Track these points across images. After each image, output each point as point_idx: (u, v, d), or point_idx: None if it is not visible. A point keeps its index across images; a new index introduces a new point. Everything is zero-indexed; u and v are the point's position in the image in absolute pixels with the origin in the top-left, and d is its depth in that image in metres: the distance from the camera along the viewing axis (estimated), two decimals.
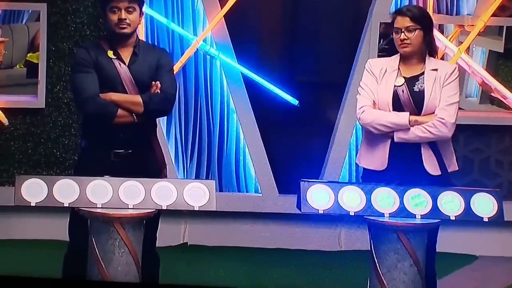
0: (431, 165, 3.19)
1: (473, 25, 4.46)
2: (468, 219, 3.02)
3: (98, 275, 2.87)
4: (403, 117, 3.14)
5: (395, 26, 3.21)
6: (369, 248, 3.02)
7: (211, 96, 4.60)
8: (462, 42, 4.52)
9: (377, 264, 2.95)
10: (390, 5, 4.43)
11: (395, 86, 3.20)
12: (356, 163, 3.73)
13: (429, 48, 3.24)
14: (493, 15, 4.44)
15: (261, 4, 4.69)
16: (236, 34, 4.51)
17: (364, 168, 3.30)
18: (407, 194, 2.99)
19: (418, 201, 2.99)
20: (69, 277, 3.29)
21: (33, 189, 2.90)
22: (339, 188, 2.99)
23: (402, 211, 2.97)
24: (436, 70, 3.21)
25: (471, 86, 4.73)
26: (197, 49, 4.52)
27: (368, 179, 3.24)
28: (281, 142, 4.65)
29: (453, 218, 2.98)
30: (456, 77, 3.22)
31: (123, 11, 3.17)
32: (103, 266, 2.87)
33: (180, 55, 4.52)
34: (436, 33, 4.44)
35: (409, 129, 3.14)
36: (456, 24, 4.55)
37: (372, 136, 3.22)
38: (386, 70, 3.23)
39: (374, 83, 3.22)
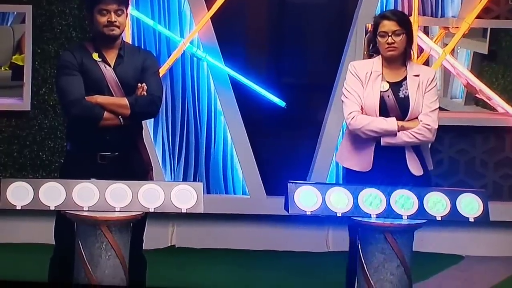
0: (414, 166, 3.28)
1: (457, 27, 4.49)
2: (454, 219, 3.04)
3: (85, 278, 2.85)
4: (392, 124, 3.24)
5: (381, 30, 3.27)
6: (357, 249, 3.02)
7: (198, 98, 4.59)
8: (447, 44, 4.55)
9: (365, 265, 2.96)
10: (376, 7, 4.45)
11: (381, 91, 3.25)
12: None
13: (409, 53, 3.31)
14: (478, 17, 4.48)
15: (248, 6, 4.69)
16: (222, 36, 4.51)
17: (347, 168, 3.35)
18: (394, 195, 3.01)
19: (404, 201, 3.00)
20: (55, 281, 3.28)
21: (18, 192, 2.87)
22: (327, 190, 3.00)
23: (389, 212, 2.98)
24: (418, 76, 3.31)
25: (456, 87, 4.77)
26: (184, 51, 4.52)
27: (352, 179, 3.30)
28: (269, 144, 4.65)
29: (439, 219, 3.00)
30: (436, 83, 3.35)
31: (112, 13, 3.15)
32: (90, 269, 2.85)
33: (167, 57, 4.51)
34: (421, 35, 4.50)
35: (396, 134, 3.23)
36: (441, 26, 4.59)
37: (356, 138, 3.29)
38: (371, 74, 3.28)
39: (360, 87, 3.28)
